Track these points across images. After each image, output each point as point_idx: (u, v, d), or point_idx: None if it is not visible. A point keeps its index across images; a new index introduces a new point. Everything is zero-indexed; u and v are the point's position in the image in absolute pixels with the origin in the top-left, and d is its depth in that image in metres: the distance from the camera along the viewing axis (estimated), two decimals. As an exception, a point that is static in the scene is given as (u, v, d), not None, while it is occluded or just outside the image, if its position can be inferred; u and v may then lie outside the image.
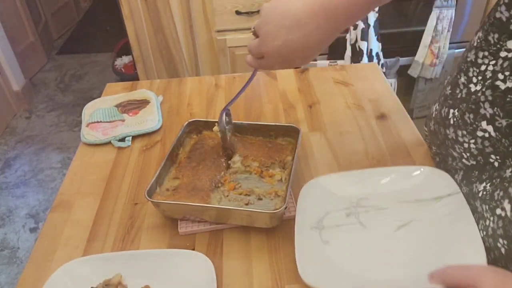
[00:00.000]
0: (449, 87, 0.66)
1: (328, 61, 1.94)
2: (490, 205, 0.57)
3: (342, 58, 1.89)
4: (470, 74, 0.60)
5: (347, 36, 1.84)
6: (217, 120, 0.77)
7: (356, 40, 1.81)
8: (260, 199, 0.72)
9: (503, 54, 0.55)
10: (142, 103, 0.99)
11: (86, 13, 3.96)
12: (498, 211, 0.54)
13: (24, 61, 2.86)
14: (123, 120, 0.94)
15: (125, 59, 2.63)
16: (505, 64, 0.54)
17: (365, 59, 1.80)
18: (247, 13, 1.91)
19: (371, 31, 1.78)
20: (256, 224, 0.69)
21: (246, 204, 0.71)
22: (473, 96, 0.58)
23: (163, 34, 1.98)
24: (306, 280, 0.58)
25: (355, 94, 1.00)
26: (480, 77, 0.58)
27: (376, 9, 1.76)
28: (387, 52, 1.87)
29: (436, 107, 0.70)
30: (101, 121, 0.94)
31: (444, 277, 0.50)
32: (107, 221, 0.73)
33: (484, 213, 0.58)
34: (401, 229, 0.65)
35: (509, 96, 0.52)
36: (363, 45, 1.80)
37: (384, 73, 1.19)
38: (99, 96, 1.05)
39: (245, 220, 0.69)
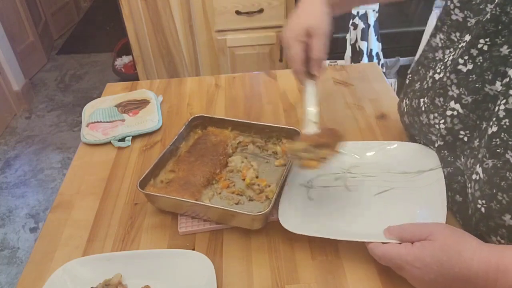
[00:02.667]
0: (418, 83, 0.74)
1: (328, 61, 1.94)
2: (466, 174, 0.63)
3: (342, 58, 1.89)
4: (438, 69, 0.69)
5: (347, 36, 1.84)
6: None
7: (356, 40, 1.81)
8: (251, 200, 0.72)
9: (460, 45, 0.64)
10: (142, 103, 0.99)
11: (86, 13, 3.96)
12: (474, 176, 0.60)
13: (24, 61, 2.86)
14: (123, 120, 0.94)
15: (125, 59, 2.63)
16: (461, 51, 0.62)
17: (365, 59, 1.80)
18: (247, 13, 1.91)
19: (371, 31, 1.78)
20: (239, 224, 0.68)
21: (236, 204, 0.71)
22: (438, 83, 0.67)
23: (163, 34, 1.98)
24: (285, 225, 0.64)
25: (355, 94, 1.00)
26: (442, 67, 0.67)
27: (376, 9, 1.76)
28: (387, 52, 1.87)
29: (406, 102, 0.77)
30: (101, 121, 0.94)
31: (401, 233, 0.58)
32: (107, 221, 0.73)
33: (466, 183, 0.64)
34: (380, 194, 0.70)
35: (470, 76, 0.61)
36: (363, 45, 1.79)
37: (384, 73, 1.19)
38: (99, 96, 1.05)
39: (229, 220, 0.69)
